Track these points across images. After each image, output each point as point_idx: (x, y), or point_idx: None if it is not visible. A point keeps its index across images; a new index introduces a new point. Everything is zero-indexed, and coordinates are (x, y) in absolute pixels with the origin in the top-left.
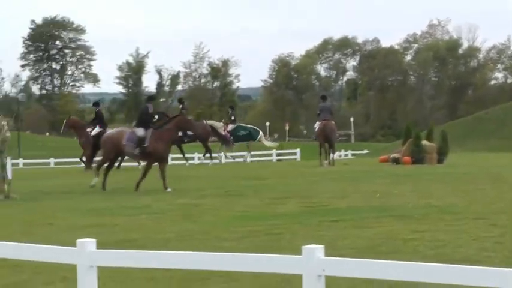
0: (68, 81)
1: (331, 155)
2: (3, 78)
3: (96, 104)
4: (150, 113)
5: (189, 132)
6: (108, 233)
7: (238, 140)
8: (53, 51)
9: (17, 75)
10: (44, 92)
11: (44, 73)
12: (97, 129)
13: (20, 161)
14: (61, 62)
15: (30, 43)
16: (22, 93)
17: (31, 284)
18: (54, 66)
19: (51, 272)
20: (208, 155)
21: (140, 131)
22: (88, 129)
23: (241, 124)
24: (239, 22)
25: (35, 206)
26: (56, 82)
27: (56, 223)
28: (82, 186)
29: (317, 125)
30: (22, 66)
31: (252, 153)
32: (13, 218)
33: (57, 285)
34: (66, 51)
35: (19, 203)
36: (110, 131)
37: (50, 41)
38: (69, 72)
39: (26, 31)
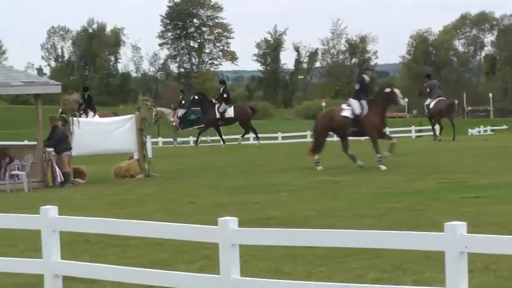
0: (206, 59)
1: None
2: (141, 57)
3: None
4: None
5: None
6: (249, 211)
7: (187, 126)
8: (191, 30)
9: (156, 54)
10: (182, 70)
11: (182, 51)
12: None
13: (160, 139)
14: (199, 40)
15: (168, 21)
16: (160, 72)
17: (173, 262)
18: (192, 44)
19: (193, 251)
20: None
21: None
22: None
23: (192, 109)
24: None
25: (176, 185)
26: (194, 60)
27: (196, 201)
28: (220, 164)
29: (429, 101)
30: (160, 44)
31: (392, 129)
32: (154, 197)
33: (199, 264)
34: (204, 29)
35: (160, 182)
36: None
37: (187, 19)
38: (207, 50)
39: (164, 9)
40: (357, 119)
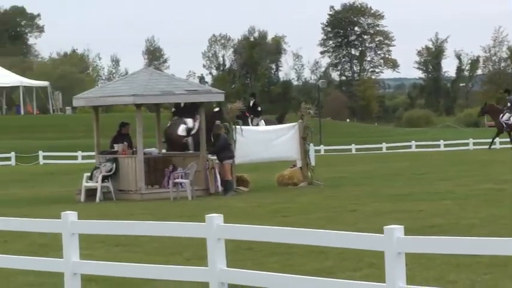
0: (367, 67)
1: None
2: (303, 65)
3: None
4: None
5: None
6: (413, 219)
7: None
8: (352, 37)
9: (317, 62)
10: (343, 78)
11: (343, 59)
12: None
13: (322, 147)
14: (360, 48)
15: (329, 29)
16: (322, 80)
17: (337, 270)
18: (353, 52)
19: (358, 259)
20: None
21: None
22: None
23: None
24: None
25: (338, 193)
26: (355, 68)
27: (359, 209)
28: (382, 172)
29: (508, 116)
30: (321, 52)
31: None
32: (317, 205)
33: (364, 272)
34: (365, 37)
35: (322, 190)
36: None
37: (348, 27)
38: (368, 58)
39: (325, 18)
40: None
